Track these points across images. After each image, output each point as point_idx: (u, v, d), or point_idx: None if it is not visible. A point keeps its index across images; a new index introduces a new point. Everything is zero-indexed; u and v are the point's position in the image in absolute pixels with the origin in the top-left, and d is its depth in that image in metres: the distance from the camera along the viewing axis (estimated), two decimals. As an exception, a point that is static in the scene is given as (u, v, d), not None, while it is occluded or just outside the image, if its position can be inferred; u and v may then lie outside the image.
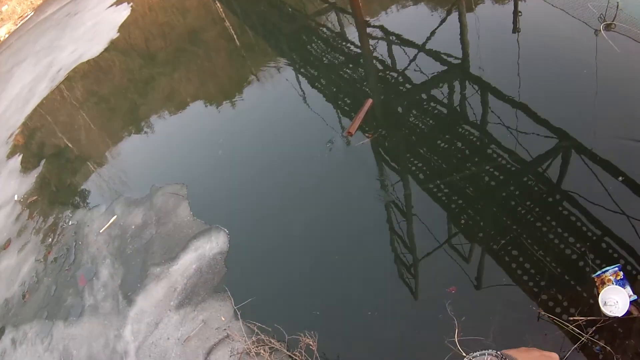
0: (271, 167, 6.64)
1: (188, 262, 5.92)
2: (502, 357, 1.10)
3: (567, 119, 5.04)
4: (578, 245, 4.10)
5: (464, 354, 3.69)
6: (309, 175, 6.19)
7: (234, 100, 8.75)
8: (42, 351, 6.36)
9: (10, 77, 15.48)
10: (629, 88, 5.16)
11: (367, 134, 6.23)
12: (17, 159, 11.10)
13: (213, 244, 5.93)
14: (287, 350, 4.47)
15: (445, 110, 6.07)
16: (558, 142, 4.92)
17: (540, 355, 1.29)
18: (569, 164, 4.75)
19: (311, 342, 4.29)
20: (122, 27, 14.20)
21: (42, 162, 10.31)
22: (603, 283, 3.64)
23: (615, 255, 3.90)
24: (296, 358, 4.33)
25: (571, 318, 3.64)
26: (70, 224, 7.91)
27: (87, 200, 8.28)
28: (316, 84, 7.86)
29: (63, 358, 6.07)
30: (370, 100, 6.58)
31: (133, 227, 6.94)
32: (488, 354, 1.08)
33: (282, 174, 6.46)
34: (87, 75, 12.57)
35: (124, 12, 15.30)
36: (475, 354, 1.11)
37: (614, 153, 4.56)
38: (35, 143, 11.26)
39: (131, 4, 15.75)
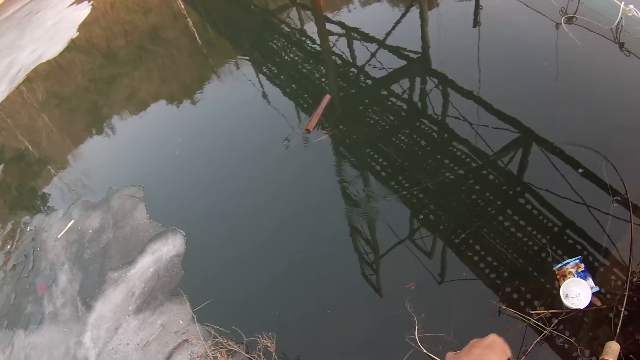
0: (228, 167, 6.61)
1: (145, 265, 5.85)
2: None
3: (528, 113, 5.10)
4: (539, 237, 4.13)
5: (424, 351, 3.72)
6: (267, 175, 6.17)
7: (194, 99, 8.67)
8: (3, 361, 6.26)
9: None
10: (590, 80, 5.22)
11: (325, 131, 6.21)
12: (-26, 165, 10.86)
13: (170, 247, 5.87)
14: (246, 353, 4.45)
15: (405, 106, 6.07)
16: (519, 135, 4.96)
17: (480, 348, 1.32)
18: (529, 157, 4.79)
19: (269, 344, 4.27)
20: (83, 26, 13.94)
21: (0, 167, 10.09)
22: (564, 276, 3.67)
23: (578, 246, 3.94)
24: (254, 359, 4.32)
25: (533, 312, 3.67)
26: (28, 229, 7.77)
27: (46, 205, 8.13)
28: (276, 81, 7.82)
29: (24, 368, 5.98)
30: (328, 96, 6.56)
31: (90, 231, 6.84)
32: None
33: (239, 173, 6.43)
34: (47, 76, 12.33)
35: (84, 10, 15.02)
36: None
37: (573, 146, 4.61)
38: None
39: (92, 2, 15.47)
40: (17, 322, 6.52)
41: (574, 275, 3.62)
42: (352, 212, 5.23)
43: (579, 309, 3.52)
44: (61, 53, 12.67)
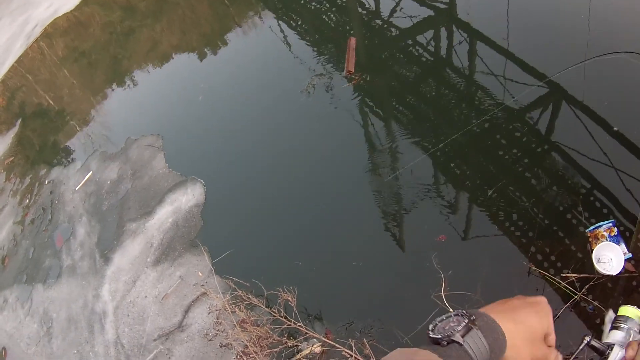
0: (249, 116, 6.28)
1: (164, 216, 5.61)
2: (469, 317, 0.91)
3: (559, 68, 4.62)
4: (567, 198, 3.83)
5: (451, 310, 3.39)
6: (288, 124, 5.86)
7: (216, 50, 8.31)
8: (22, 316, 6.14)
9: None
10: (625, 37, 4.71)
11: (354, 75, 5.80)
12: (-7, 120, 10.72)
13: (189, 197, 5.60)
14: (266, 307, 4.18)
15: (430, 57, 5.65)
16: (548, 91, 4.55)
17: (523, 303, 1.04)
18: (558, 115, 4.41)
19: (290, 298, 3.97)
20: (101, -21, 13.57)
21: (19, 122, 9.92)
22: (597, 239, 3.39)
23: (605, 210, 3.64)
24: (275, 314, 4.04)
25: (563, 275, 3.38)
26: (46, 182, 7.60)
27: (64, 157, 7.94)
28: (299, 30, 7.40)
29: (43, 322, 5.85)
30: (353, 39, 6.14)
31: (108, 182, 6.61)
32: (454, 315, 0.93)
33: (260, 123, 6.11)
34: (65, 30, 12.03)
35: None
36: (442, 317, 0.97)
37: (606, 106, 4.18)
38: (15, 103, 10.85)
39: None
40: (36, 276, 6.39)
41: (607, 239, 3.34)
42: (375, 163, 4.89)
43: (611, 275, 3.19)
44: (78, 7, 12.32)
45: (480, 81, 5.00)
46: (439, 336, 0.89)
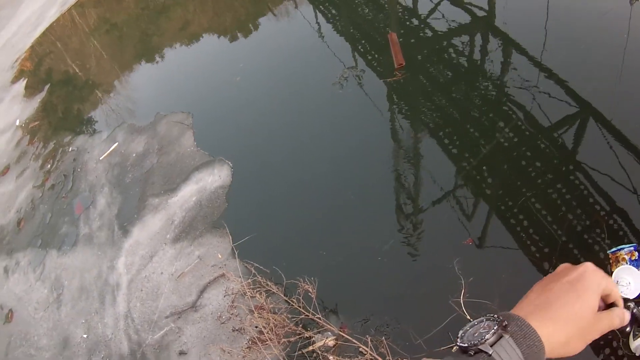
0: (282, 103, 6.19)
1: (188, 194, 5.54)
2: (500, 322, 0.82)
3: (590, 88, 4.52)
4: (586, 218, 3.73)
5: (468, 317, 3.31)
6: (318, 114, 5.77)
7: (248, 34, 8.24)
8: (33, 280, 6.11)
9: (20, 3, 14.98)
10: None
11: (398, 73, 5.71)
12: (22, 83, 10.68)
13: (215, 177, 5.53)
14: (284, 295, 4.10)
15: (465, 62, 5.54)
16: (578, 110, 4.45)
17: (562, 287, 0.91)
18: (584, 134, 4.31)
19: (310, 289, 3.89)
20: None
21: (47, 87, 9.90)
22: (617, 261, 3.32)
23: (621, 233, 3.55)
24: (293, 304, 3.96)
25: None
26: (70, 150, 7.56)
27: (89, 127, 7.91)
28: (335, 23, 7.30)
29: (54, 288, 5.81)
30: (394, 34, 6.04)
31: (134, 155, 6.55)
32: (485, 320, 0.84)
33: (293, 111, 6.03)
34: (99, 1, 12.05)
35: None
36: (473, 322, 0.87)
37: (635, 130, 4.06)
38: (43, 68, 10.85)
39: None
40: (51, 242, 6.36)
41: (627, 262, 3.27)
42: (400, 160, 4.83)
43: (628, 299, 3.08)
44: (115, -21, 12.35)
45: (510, 92, 4.90)
46: (467, 344, 0.81)
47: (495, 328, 0.80)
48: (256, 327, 4.05)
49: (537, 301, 0.90)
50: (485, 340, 0.79)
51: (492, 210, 4.09)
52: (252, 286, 4.24)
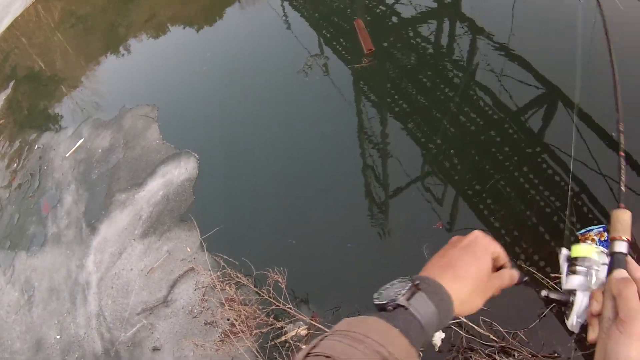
0: (246, 92, 6.08)
1: (155, 188, 5.45)
2: (413, 281, 0.91)
3: (558, 72, 4.48)
4: (554, 200, 3.75)
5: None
6: (284, 103, 5.67)
7: (214, 23, 8.08)
8: (4, 283, 6.02)
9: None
10: (628, 47, 4.55)
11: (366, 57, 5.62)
12: (-15, 82, 10.48)
13: (182, 170, 5.43)
14: (255, 287, 4.05)
15: (431, 49, 5.48)
16: (544, 92, 4.44)
17: (459, 251, 1.02)
18: (553, 117, 4.31)
19: (280, 279, 3.84)
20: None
21: (12, 84, 9.69)
22: (586, 242, 3.22)
23: (590, 215, 3.57)
24: (263, 294, 3.92)
25: (553, 275, 3.27)
26: (36, 147, 7.42)
27: (55, 124, 7.74)
28: (300, 10, 7.17)
29: (25, 290, 5.72)
30: (360, 20, 5.95)
31: (100, 150, 6.43)
32: (398, 282, 0.93)
33: (259, 101, 5.91)
34: (64, -6, 11.80)
35: None
36: (386, 285, 0.96)
37: (602, 113, 4.02)
38: (7, 65, 10.62)
39: None
40: (20, 243, 6.26)
41: (597, 244, 3.19)
42: (368, 148, 4.78)
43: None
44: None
45: (477, 78, 4.86)
46: (385, 302, 0.87)
47: (409, 286, 0.88)
48: (228, 319, 4.01)
49: (439, 264, 0.99)
50: (401, 296, 0.86)
51: (462, 194, 4.06)
52: (221, 279, 4.19)
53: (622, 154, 1.20)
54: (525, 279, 1.06)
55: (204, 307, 4.33)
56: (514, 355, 3.00)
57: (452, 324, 3.30)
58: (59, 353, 4.99)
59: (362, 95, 5.34)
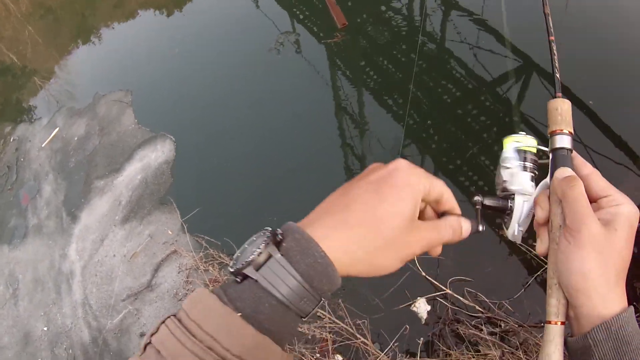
0: (220, 72, 6.03)
1: (133, 172, 5.38)
2: (273, 237, 0.63)
3: (533, 44, 4.44)
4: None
5: (423, 274, 3.28)
6: (259, 81, 5.61)
7: (184, 4, 7.94)
8: (-13, 278, 5.92)
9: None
10: (605, 17, 4.54)
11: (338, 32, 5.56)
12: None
13: (159, 153, 5.37)
14: (237, 266, 4.02)
15: (404, 22, 5.42)
16: (520, 64, 4.43)
17: (367, 186, 0.68)
18: (528, 88, 4.30)
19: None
20: None
21: (-17, 78, 9.50)
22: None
23: None
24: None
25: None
26: (12, 140, 7.28)
27: (29, 115, 7.61)
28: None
29: (9, 284, 5.65)
30: (328, -9, 5.87)
31: (76, 138, 6.33)
32: (259, 237, 0.63)
33: (230, 79, 5.88)
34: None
35: None
36: (252, 237, 0.64)
37: (577, 82, 4.03)
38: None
39: None
40: (1, 236, 6.16)
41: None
42: (343, 124, 4.75)
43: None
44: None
45: (452, 48, 4.82)
46: (234, 269, 0.63)
47: (263, 245, 0.62)
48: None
49: (327, 207, 0.69)
50: (250, 262, 0.61)
51: (440, 165, 4.07)
52: (204, 260, 4.16)
53: (552, 38, 0.99)
54: (481, 228, 0.80)
55: (188, 290, 4.30)
56: (500, 325, 2.96)
57: (437, 295, 3.31)
58: (47, 345, 4.95)
59: (337, 70, 5.31)
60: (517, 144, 0.88)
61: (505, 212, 0.86)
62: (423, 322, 3.27)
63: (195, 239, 4.37)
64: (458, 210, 0.77)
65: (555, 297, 0.75)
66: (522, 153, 0.87)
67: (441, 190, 0.74)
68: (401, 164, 0.71)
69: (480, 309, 3.07)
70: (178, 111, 5.86)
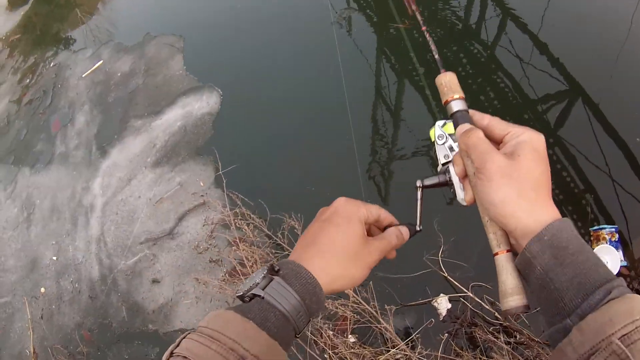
0: (276, 36, 5.81)
1: (173, 118, 5.23)
2: (270, 267, 0.85)
3: (585, 69, 4.26)
4: (559, 195, 3.68)
5: (444, 274, 3.17)
6: (316, 50, 5.38)
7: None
8: (3, 198, 5.86)
9: None
10: None
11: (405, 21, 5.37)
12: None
13: (203, 103, 5.20)
14: (268, 230, 3.87)
15: (458, 24, 5.24)
16: (567, 89, 4.24)
17: (321, 223, 0.95)
18: (570, 113, 4.13)
19: (296, 225, 3.65)
20: None
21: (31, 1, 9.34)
22: (598, 240, 3.36)
23: (592, 216, 3.51)
24: (278, 239, 3.74)
25: None
26: (52, 65, 7.17)
27: (74, 43, 7.46)
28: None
29: (25, 207, 5.55)
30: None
31: (119, 74, 6.19)
32: (261, 270, 0.85)
33: (287, 45, 5.67)
34: None
35: None
36: (252, 275, 0.87)
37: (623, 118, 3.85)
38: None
39: None
40: (24, 159, 6.08)
41: (607, 243, 3.31)
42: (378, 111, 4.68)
43: None
44: None
45: (501, 59, 4.65)
46: (241, 293, 0.81)
47: (265, 273, 0.81)
48: (235, 259, 3.84)
49: (302, 244, 0.91)
50: (256, 285, 0.79)
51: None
52: (233, 217, 4.00)
53: (424, 28, 1.29)
54: (419, 228, 1.02)
55: (210, 244, 4.18)
56: (515, 336, 2.96)
57: (460, 296, 3.26)
58: (53, 274, 4.85)
59: (385, 57, 5.14)
60: (438, 129, 1.02)
61: (448, 184, 0.97)
62: (441, 318, 3.24)
63: (228, 194, 4.20)
64: (397, 222, 1.00)
65: (492, 232, 0.85)
66: (444, 132, 1.01)
67: (377, 212, 0.97)
68: (340, 201, 0.95)
69: (499, 316, 3.05)
70: (229, 66, 5.68)
